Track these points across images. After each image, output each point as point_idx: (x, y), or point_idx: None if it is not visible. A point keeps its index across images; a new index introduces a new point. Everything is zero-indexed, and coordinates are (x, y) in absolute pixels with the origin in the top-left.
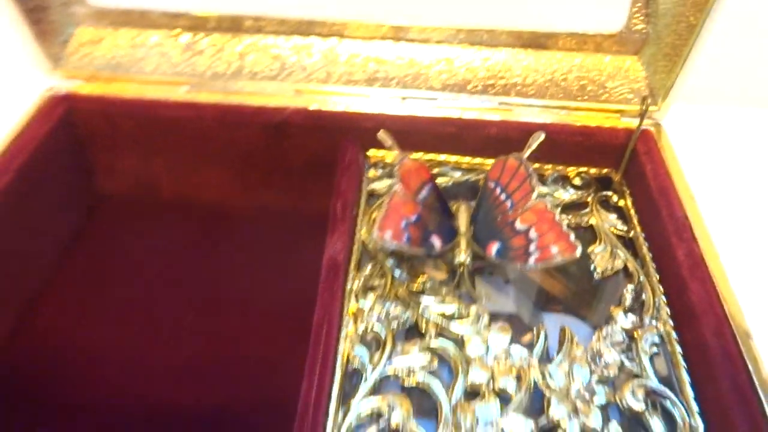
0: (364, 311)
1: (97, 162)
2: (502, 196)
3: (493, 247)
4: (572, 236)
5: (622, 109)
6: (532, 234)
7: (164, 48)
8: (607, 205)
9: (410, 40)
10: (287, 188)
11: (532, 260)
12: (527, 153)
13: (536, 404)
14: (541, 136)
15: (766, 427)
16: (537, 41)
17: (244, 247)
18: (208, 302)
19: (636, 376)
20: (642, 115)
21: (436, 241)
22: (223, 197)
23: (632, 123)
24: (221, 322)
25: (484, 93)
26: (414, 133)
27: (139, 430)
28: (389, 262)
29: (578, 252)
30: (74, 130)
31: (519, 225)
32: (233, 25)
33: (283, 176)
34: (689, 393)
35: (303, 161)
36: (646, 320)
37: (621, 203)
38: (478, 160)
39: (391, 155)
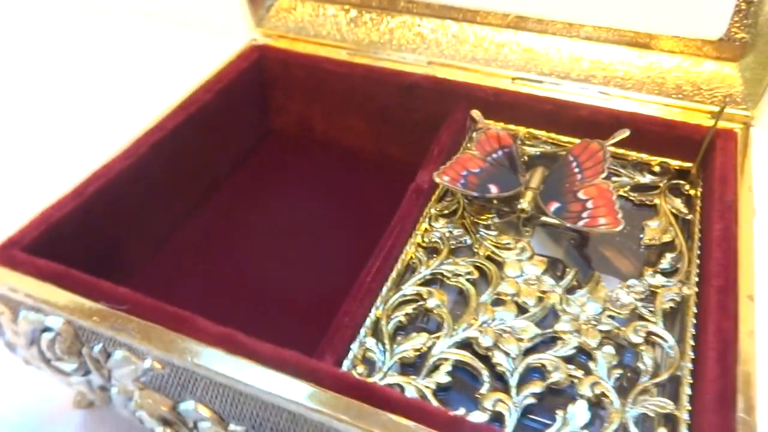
0: (433, 228)
1: (272, 101)
2: (576, 170)
3: (553, 205)
4: (620, 215)
5: (714, 111)
6: (589, 204)
7: (337, 18)
8: (678, 192)
9: (529, 30)
10: (412, 143)
11: (581, 223)
12: (610, 142)
13: (548, 320)
14: (626, 133)
15: (734, 370)
16: (640, 40)
17: (369, 188)
18: (329, 231)
19: (645, 319)
20: (719, 112)
21: (494, 188)
22: (361, 144)
23: (724, 126)
24: (335, 246)
25: (586, 81)
26: (516, 107)
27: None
28: (465, 200)
29: (620, 227)
30: (261, 74)
31: (581, 195)
32: (390, 5)
33: (409, 132)
34: (689, 342)
35: (426, 121)
36: (673, 281)
37: (692, 192)
38: (567, 139)
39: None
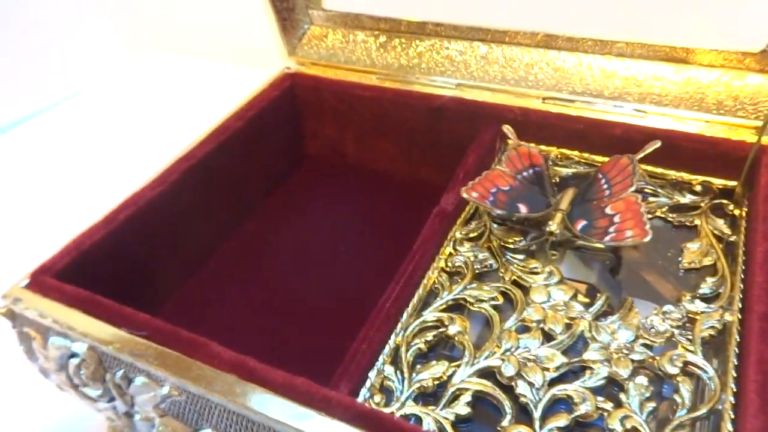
0: (458, 252)
1: (306, 127)
2: (605, 186)
3: (580, 224)
4: (648, 225)
5: (758, 126)
6: (616, 219)
7: (367, 44)
8: (721, 212)
9: (558, 48)
10: (441, 166)
11: (608, 238)
12: (640, 155)
13: (576, 349)
14: (657, 144)
15: None
16: (676, 55)
17: (400, 211)
18: (358, 248)
19: (682, 348)
20: (763, 127)
21: (523, 208)
22: (392, 167)
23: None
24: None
25: (620, 99)
26: (547, 127)
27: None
28: (492, 223)
29: (648, 237)
30: (295, 101)
31: (608, 210)
32: (418, 29)
33: (438, 155)
34: (732, 373)
35: (455, 143)
36: (714, 307)
37: (736, 212)
38: (600, 158)
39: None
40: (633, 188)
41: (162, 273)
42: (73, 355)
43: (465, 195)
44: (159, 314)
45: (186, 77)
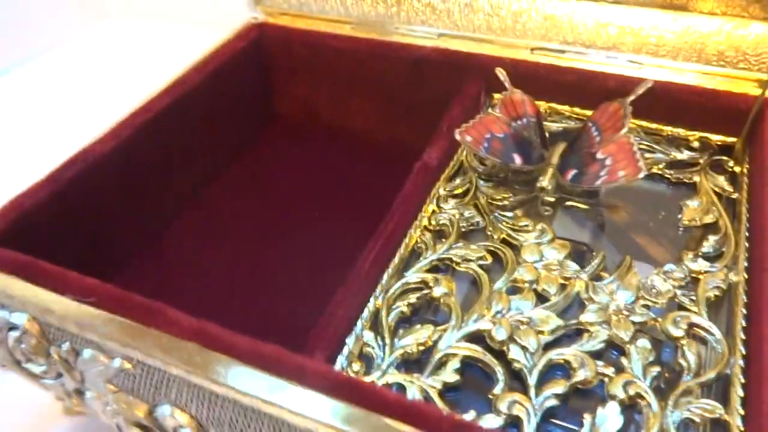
0: (442, 209)
1: (275, 84)
2: (595, 134)
3: (570, 174)
4: (641, 162)
5: (761, 78)
6: (608, 161)
7: None
8: (721, 169)
9: None
10: (422, 125)
11: (599, 181)
12: (631, 98)
13: (572, 311)
14: (649, 83)
15: None
16: (675, 2)
17: (378, 174)
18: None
19: (685, 309)
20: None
21: (518, 159)
22: (369, 127)
23: None
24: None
25: (614, 50)
26: (536, 79)
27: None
28: (479, 179)
29: (642, 174)
30: (262, 55)
31: (600, 155)
32: None
33: (419, 112)
34: (740, 336)
35: (437, 99)
36: (717, 267)
37: (737, 169)
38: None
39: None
40: (625, 129)
41: (116, 238)
42: (12, 327)
43: (458, 137)
44: (113, 283)
45: (146, 41)
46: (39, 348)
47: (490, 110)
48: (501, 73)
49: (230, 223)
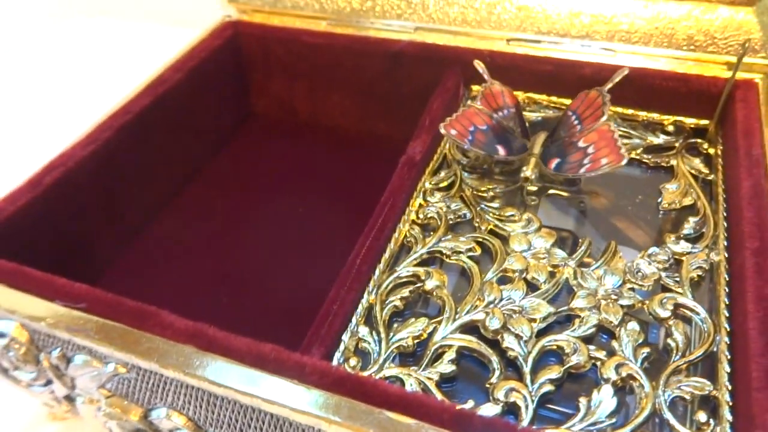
0: (428, 203)
1: (252, 81)
2: (575, 122)
3: (553, 163)
4: (623, 150)
5: (730, 61)
6: (590, 149)
7: None
8: (696, 152)
9: None
10: (402, 119)
11: (582, 170)
12: (608, 86)
13: (562, 297)
14: (625, 71)
15: None
16: None
17: (360, 169)
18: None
19: (670, 290)
20: (737, 62)
21: (501, 150)
22: (348, 123)
23: (742, 77)
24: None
25: (588, 38)
26: (514, 70)
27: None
28: (463, 172)
29: (624, 161)
30: (238, 52)
31: (581, 143)
32: None
33: (398, 107)
34: (723, 313)
35: (416, 93)
36: (699, 248)
37: (711, 151)
38: (569, 101)
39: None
40: (605, 117)
41: (98, 242)
42: (0, 335)
43: (444, 131)
44: (97, 286)
45: (117, 39)
46: (28, 355)
47: (470, 102)
48: (479, 66)
49: (214, 220)
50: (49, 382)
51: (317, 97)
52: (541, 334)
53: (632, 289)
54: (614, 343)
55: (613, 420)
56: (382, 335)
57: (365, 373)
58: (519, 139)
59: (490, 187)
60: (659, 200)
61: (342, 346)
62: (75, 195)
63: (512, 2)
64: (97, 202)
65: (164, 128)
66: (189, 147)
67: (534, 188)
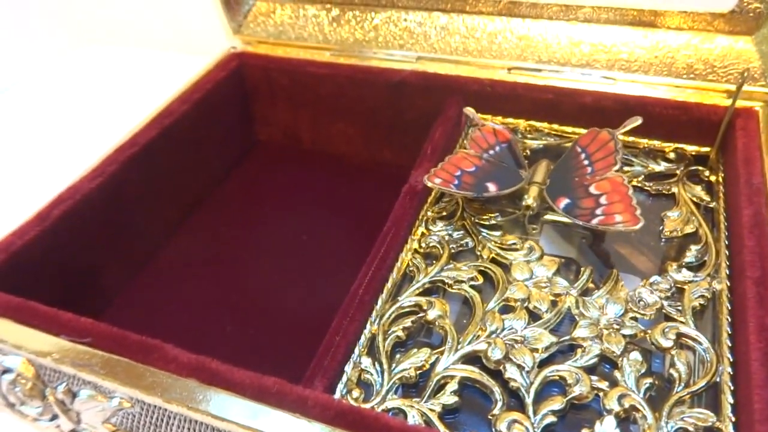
0: (431, 232)
1: (257, 111)
2: (585, 162)
3: (563, 202)
4: (638, 211)
5: (730, 89)
6: (603, 200)
7: (318, 19)
8: (697, 179)
9: (522, 16)
10: (405, 146)
11: (595, 221)
12: (621, 131)
13: (564, 326)
14: (638, 121)
15: None
16: (644, 19)
17: (364, 197)
18: (322, 237)
19: (673, 319)
20: (737, 90)
21: (492, 187)
22: (352, 151)
23: (742, 105)
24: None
25: (588, 67)
26: (515, 98)
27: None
28: (464, 200)
29: (639, 225)
30: (243, 83)
31: (593, 189)
32: (373, 0)
33: (401, 134)
34: (726, 343)
35: (418, 121)
36: (701, 276)
37: (712, 178)
38: (571, 129)
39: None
40: (617, 167)
41: (105, 274)
42: (6, 370)
43: (428, 183)
44: (103, 319)
45: (127, 68)
46: (34, 390)
47: (465, 140)
48: (469, 112)
49: (219, 249)
50: (55, 417)
51: (321, 126)
52: (543, 364)
53: (634, 318)
54: (617, 373)
55: None
56: (385, 366)
57: (368, 405)
58: (513, 171)
59: (492, 215)
60: (661, 228)
61: (345, 378)
62: (81, 228)
63: (513, 32)
64: (103, 235)
65: (170, 159)
66: (195, 177)
67: (535, 216)
